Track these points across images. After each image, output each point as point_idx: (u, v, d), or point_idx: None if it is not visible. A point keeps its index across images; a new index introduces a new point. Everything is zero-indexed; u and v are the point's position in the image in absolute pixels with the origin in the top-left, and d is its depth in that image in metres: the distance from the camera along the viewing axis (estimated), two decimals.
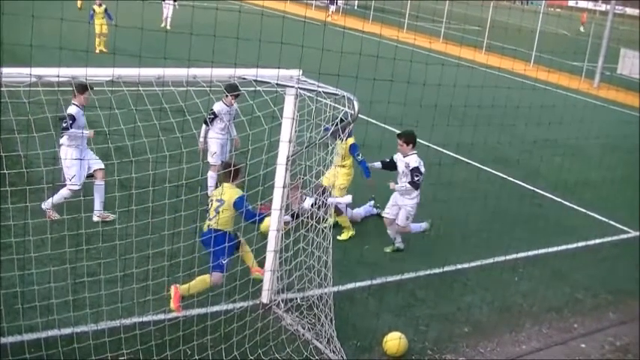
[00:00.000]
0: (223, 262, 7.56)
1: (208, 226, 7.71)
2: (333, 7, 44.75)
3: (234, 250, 7.86)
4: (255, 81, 6.83)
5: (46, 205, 9.08)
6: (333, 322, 7.29)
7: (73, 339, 6.37)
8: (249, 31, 7.62)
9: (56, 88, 6.07)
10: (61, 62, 5.64)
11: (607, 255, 11.07)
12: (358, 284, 8.64)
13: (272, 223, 7.62)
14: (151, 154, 7.33)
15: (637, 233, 12.32)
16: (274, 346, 7.03)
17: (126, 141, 7.18)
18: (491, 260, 9.87)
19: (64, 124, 8.84)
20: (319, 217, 7.71)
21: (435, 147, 14.62)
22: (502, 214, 11.74)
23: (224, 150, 10.62)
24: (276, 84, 6.90)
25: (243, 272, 8.01)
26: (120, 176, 9.28)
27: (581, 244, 10.99)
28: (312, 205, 8.30)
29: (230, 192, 7.62)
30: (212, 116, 10.34)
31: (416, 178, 9.18)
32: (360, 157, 9.92)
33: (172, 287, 7.35)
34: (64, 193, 9.15)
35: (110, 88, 6.49)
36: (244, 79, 6.87)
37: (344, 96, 6.84)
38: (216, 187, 8.56)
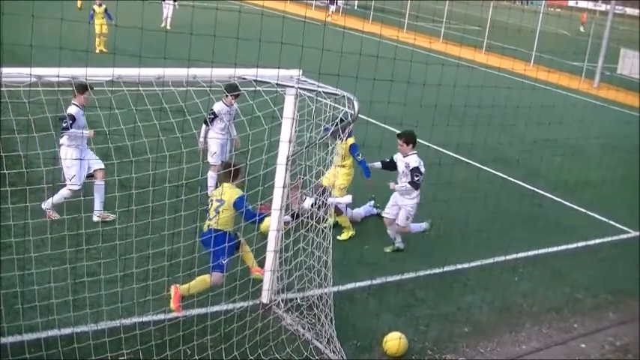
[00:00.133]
0: (223, 262, 7.56)
1: (208, 226, 7.70)
2: (333, 7, 44.75)
3: (234, 250, 7.86)
4: (255, 81, 6.83)
5: (46, 205, 9.08)
6: (333, 322, 7.29)
7: (73, 339, 6.37)
8: (249, 31, 7.62)
9: (56, 88, 6.07)
10: (61, 62, 5.64)
11: (607, 255, 11.07)
12: (358, 284, 8.64)
13: (272, 223, 7.62)
14: (151, 154, 7.33)
15: (637, 233, 12.33)
16: (274, 346, 7.03)
17: (126, 141, 7.18)
18: (491, 260, 9.87)
19: (64, 124, 8.84)
20: (319, 217, 7.71)
21: (435, 147, 14.62)
22: (502, 214, 11.74)
23: (224, 150, 10.62)
24: (276, 84, 6.89)
25: (243, 272, 8.01)
26: (120, 176, 9.28)
27: (581, 244, 10.99)
28: (312, 205, 8.30)
29: (230, 192, 7.62)
30: (212, 116, 10.34)
31: (416, 178, 9.17)
32: (360, 157, 9.93)
33: (172, 287, 7.35)
34: (64, 193, 9.15)
35: (110, 88, 6.49)
36: (244, 79, 6.87)
37: (344, 96, 6.83)
38: (216, 187, 8.57)
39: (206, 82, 6.53)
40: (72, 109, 8.97)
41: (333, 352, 7.06)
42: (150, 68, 6.17)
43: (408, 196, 9.36)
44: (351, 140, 9.99)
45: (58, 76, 5.66)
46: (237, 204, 7.54)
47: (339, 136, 7.96)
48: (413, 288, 8.94)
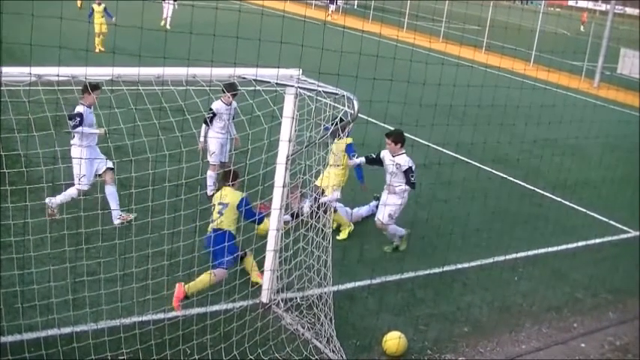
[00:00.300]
0: (226, 258, 7.62)
1: (212, 228, 7.87)
2: (332, 7, 44.74)
3: (239, 262, 8.00)
4: (255, 80, 6.82)
5: (52, 202, 9.03)
6: (333, 321, 7.29)
7: (72, 338, 6.38)
8: (249, 31, 7.61)
9: (56, 88, 6.06)
10: (61, 61, 5.63)
11: (607, 255, 11.07)
12: (358, 284, 8.64)
13: (272, 223, 7.62)
14: (151, 154, 7.33)
15: (637, 233, 12.33)
16: (274, 346, 7.02)
17: (125, 140, 7.19)
18: (490, 260, 9.86)
19: (73, 123, 8.78)
20: (319, 217, 7.72)
21: (434, 146, 14.63)
22: (502, 214, 11.73)
23: (224, 149, 10.61)
24: (276, 83, 6.89)
25: (242, 272, 8.03)
26: (119, 175, 9.30)
27: (581, 243, 10.99)
28: (310, 207, 8.33)
29: (232, 195, 7.86)
30: (211, 115, 10.33)
31: (412, 179, 9.18)
32: (355, 159, 9.89)
33: (177, 285, 7.40)
34: (72, 192, 9.10)
35: (110, 88, 6.49)
36: (244, 78, 6.86)
37: (344, 95, 6.83)
38: (216, 189, 8.62)
39: (206, 82, 6.53)
40: (79, 108, 8.92)
41: (333, 351, 7.06)
42: (149, 67, 6.16)
43: (397, 196, 9.30)
44: (348, 140, 9.98)
45: (58, 76, 5.66)
46: (240, 205, 7.76)
47: (339, 135, 7.96)
48: (412, 287, 8.94)
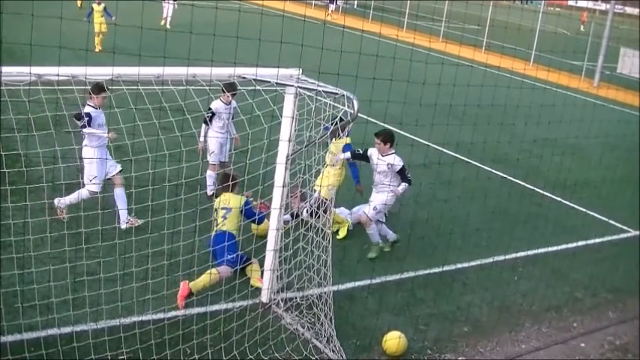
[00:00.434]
0: (229, 257, 7.70)
1: (215, 231, 8.01)
2: (332, 6, 44.74)
3: (240, 263, 8.04)
4: (255, 80, 6.82)
5: (61, 202, 9.03)
6: (333, 321, 7.29)
7: (72, 338, 6.37)
8: (249, 30, 7.61)
9: (56, 87, 6.07)
10: (61, 61, 5.63)
11: (607, 254, 11.07)
12: (358, 283, 8.64)
13: (271, 223, 7.62)
14: (151, 153, 7.33)
15: (637, 232, 12.33)
16: (274, 345, 7.02)
17: (125, 140, 7.19)
18: (490, 260, 9.87)
19: (82, 123, 8.76)
20: (319, 216, 7.72)
21: (434, 146, 14.64)
22: (502, 214, 11.74)
23: (223, 149, 10.61)
24: (276, 83, 6.89)
25: (242, 272, 8.03)
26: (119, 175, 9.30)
27: (580, 243, 10.99)
28: (307, 211, 8.37)
29: (234, 200, 8.13)
30: (210, 114, 10.33)
31: (409, 176, 9.20)
32: (351, 160, 9.89)
33: (182, 283, 7.45)
34: (83, 193, 9.09)
35: (110, 87, 6.49)
36: (244, 78, 6.86)
37: (344, 95, 6.83)
38: (215, 194, 8.80)
39: (206, 81, 6.53)
40: (87, 109, 8.90)
41: (333, 351, 7.06)
42: (149, 67, 6.17)
43: (385, 194, 9.27)
44: (347, 140, 9.98)
45: (58, 75, 5.66)
46: (242, 207, 8.07)
47: (339, 134, 7.96)
48: (412, 287, 8.94)
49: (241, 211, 8.06)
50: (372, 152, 9.33)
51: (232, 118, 10.56)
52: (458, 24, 39.84)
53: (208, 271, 7.55)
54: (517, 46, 27.90)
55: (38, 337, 6.47)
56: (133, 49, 7.43)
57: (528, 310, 8.86)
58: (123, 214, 9.16)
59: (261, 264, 7.89)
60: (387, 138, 9.22)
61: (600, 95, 27.88)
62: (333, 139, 9.34)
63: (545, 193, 13.65)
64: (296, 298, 7.82)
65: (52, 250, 7.45)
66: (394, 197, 9.34)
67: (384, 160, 9.17)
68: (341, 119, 7.18)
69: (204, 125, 10.44)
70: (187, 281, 7.47)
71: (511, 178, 14.32)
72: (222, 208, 8.09)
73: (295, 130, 7.36)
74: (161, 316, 7.05)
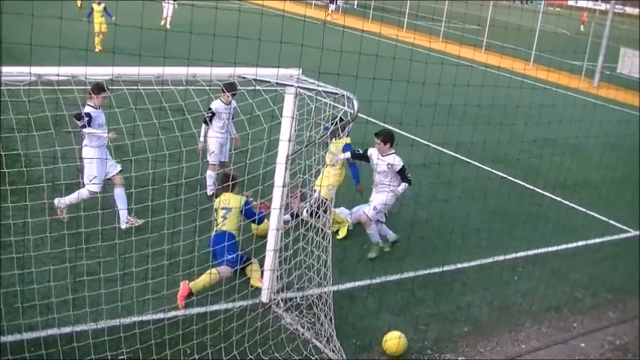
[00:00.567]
0: (230, 257, 7.71)
1: (216, 231, 8.00)
2: (332, 6, 44.74)
3: (240, 263, 8.04)
4: (255, 80, 6.82)
5: (61, 202, 9.03)
6: (333, 321, 7.29)
7: (72, 338, 6.37)
8: (249, 30, 7.61)
9: (56, 87, 6.07)
10: (61, 61, 5.63)
11: (607, 254, 11.07)
12: (358, 283, 8.64)
13: (271, 223, 7.62)
14: (151, 153, 7.33)
15: (637, 232, 12.33)
16: (274, 345, 7.02)
17: (125, 140, 7.19)
18: (490, 260, 9.87)
19: (82, 123, 8.76)
20: (319, 216, 7.72)
21: (434, 146, 14.64)
22: (502, 214, 11.74)
23: (223, 149, 10.61)
24: (276, 83, 6.89)
25: (242, 271, 8.03)
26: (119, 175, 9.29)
27: (580, 243, 10.99)
28: (307, 211, 8.37)
29: (234, 200, 8.13)
30: (210, 114, 10.33)
31: (409, 176, 9.20)
32: (351, 160, 9.89)
33: (182, 283, 7.45)
34: (83, 193, 9.09)
35: (110, 87, 6.49)
36: (244, 78, 6.86)
37: (344, 95, 6.83)
38: (215, 195, 8.79)
39: (206, 81, 6.53)
40: (87, 109, 8.89)
41: (333, 351, 7.06)
42: (149, 67, 6.17)
43: (385, 194, 9.27)
44: (347, 140, 9.97)
45: (58, 75, 5.66)
46: (243, 207, 8.08)
47: (339, 134, 7.96)
48: (412, 287, 8.94)
49: (241, 211, 8.07)
50: (372, 152, 9.33)
51: (232, 118, 10.56)
52: (458, 24, 39.85)
53: (208, 271, 7.55)
54: (517, 46, 27.91)
55: (38, 337, 6.47)
56: (133, 49, 7.43)
57: (528, 310, 8.86)
58: (123, 214, 9.16)
59: (261, 264, 7.89)
60: (387, 138, 9.22)
61: (600, 95, 27.89)
62: (333, 139, 9.34)
63: (545, 193, 13.65)
64: (296, 298, 7.82)
65: (52, 250, 7.45)
66: (394, 197, 9.34)
67: (384, 160, 9.17)
68: (341, 119, 7.18)
69: (204, 125, 10.44)
70: (187, 281, 7.47)
71: (511, 178, 14.32)
72: (222, 208, 8.10)
73: (295, 130, 7.36)
74: (161, 316, 7.05)
